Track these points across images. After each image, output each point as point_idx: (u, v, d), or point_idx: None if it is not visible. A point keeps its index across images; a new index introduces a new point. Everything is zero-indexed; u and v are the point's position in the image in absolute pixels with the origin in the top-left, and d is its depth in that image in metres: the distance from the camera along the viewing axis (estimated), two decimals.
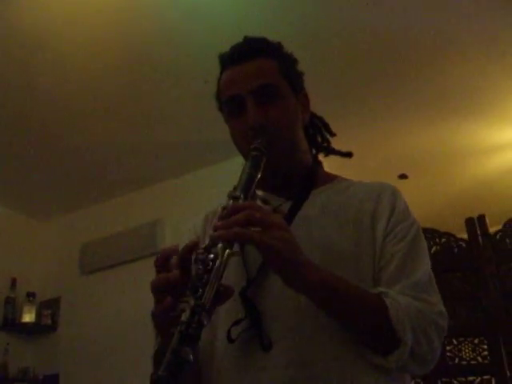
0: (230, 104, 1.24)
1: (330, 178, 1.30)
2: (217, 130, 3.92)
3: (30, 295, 4.73)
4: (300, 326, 1.05)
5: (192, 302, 0.84)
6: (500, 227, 3.13)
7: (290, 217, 1.16)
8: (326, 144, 1.40)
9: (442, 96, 3.81)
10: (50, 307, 4.72)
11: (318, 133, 1.39)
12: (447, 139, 4.23)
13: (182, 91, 3.70)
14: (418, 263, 1.10)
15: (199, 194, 4.48)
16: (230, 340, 1.08)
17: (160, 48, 3.34)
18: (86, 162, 4.41)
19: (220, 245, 0.92)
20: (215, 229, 0.93)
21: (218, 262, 0.90)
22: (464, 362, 2.77)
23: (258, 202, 1.22)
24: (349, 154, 1.36)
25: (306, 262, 0.95)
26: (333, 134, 1.40)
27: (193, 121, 4.01)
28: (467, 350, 2.89)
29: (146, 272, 4.25)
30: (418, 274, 1.08)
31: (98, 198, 4.83)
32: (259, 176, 1.10)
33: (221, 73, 1.30)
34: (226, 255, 0.91)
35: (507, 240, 3.04)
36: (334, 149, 1.39)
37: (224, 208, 0.98)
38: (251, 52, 1.24)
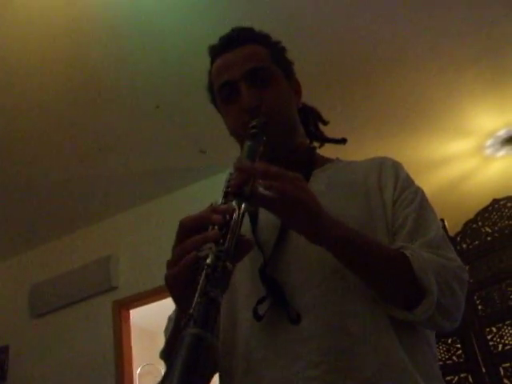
0: (224, 90, 1.22)
1: (329, 160, 1.31)
2: (170, 157, 4.02)
3: None
4: (326, 295, 1.03)
5: (214, 249, 0.80)
6: (459, 229, 3.20)
7: None
8: (318, 133, 1.39)
9: (385, 114, 3.92)
10: None
11: (311, 122, 1.39)
12: (397, 153, 4.34)
13: (132, 118, 3.66)
14: (430, 223, 1.11)
15: (152, 224, 4.41)
16: (258, 317, 1.04)
17: (110, 74, 3.30)
18: (31, 200, 4.27)
19: (234, 201, 0.89)
20: (229, 183, 0.91)
21: (235, 213, 0.86)
22: (440, 363, 2.79)
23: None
24: (343, 141, 1.35)
25: (326, 215, 0.94)
26: (325, 123, 1.40)
27: (145, 149, 3.95)
28: (442, 351, 2.92)
29: (102, 309, 4.19)
30: (432, 233, 1.08)
31: (46, 236, 4.67)
32: (261, 150, 1.07)
33: (211, 64, 1.28)
34: (242, 207, 0.88)
35: (468, 240, 3.12)
36: (327, 137, 1.38)
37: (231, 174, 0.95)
38: (241, 39, 1.24)
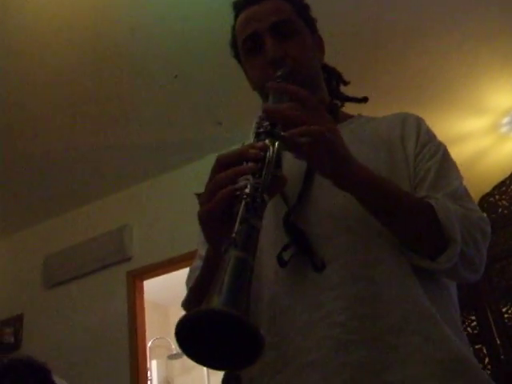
0: (248, 43, 1.23)
1: (351, 116, 1.31)
2: (186, 128, 4.02)
3: None
4: (350, 244, 1.03)
5: (252, 180, 0.81)
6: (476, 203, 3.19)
7: None
8: (339, 93, 1.39)
9: (402, 87, 3.90)
10: (11, 325, 4.52)
11: (332, 81, 1.39)
12: None
13: (149, 88, 3.65)
14: (452, 176, 1.11)
15: (167, 195, 4.42)
16: (282, 263, 1.04)
17: (127, 42, 3.28)
18: (44, 171, 4.27)
19: (267, 140, 0.89)
20: (260, 122, 0.92)
21: (270, 149, 0.86)
22: None
23: None
24: (364, 99, 1.36)
25: (356, 160, 0.95)
26: (346, 83, 1.40)
27: (160, 121, 3.95)
28: None
29: (116, 279, 4.20)
30: (454, 184, 1.09)
31: (60, 207, 4.69)
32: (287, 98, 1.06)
33: (235, 19, 1.29)
34: (276, 145, 0.88)
35: (484, 213, 3.11)
36: (348, 96, 1.38)
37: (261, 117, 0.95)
38: None
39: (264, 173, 0.82)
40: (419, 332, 0.96)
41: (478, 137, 4.53)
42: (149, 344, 5.19)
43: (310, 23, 1.30)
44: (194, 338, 0.65)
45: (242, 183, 0.81)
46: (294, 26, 1.23)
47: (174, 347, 6.24)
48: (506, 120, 4.47)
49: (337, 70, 1.39)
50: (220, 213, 0.83)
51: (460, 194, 1.08)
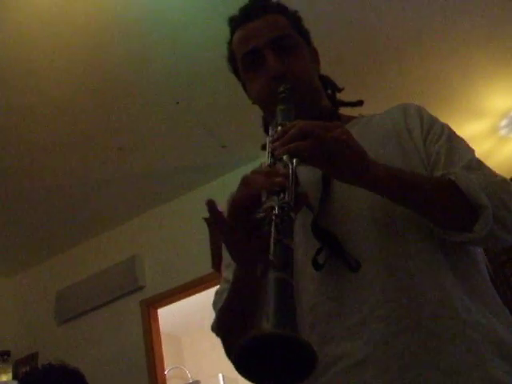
0: (248, 58, 1.26)
1: (352, 117, 1.34)
2: (191, 154, 4.04)
3: (5, 354, 4.53)
4: (380, 239, 1.05)
5: (277, 201, 0.83)
6: None
7: None
8: (335, 99, 1.43)
9: (399, 94, 3.93)
10: (27, 363, 4.48)
11: (328, 88, 1.43)
12: None
13: (152, 116, 3.68)
14: (463, 150, 1.14)
15: (176, 222, 4.43)
16: (318, 267, 1.06)
17: (128, 71, 3.32)
18: (53, 206, 4.29)
19: (284, 157, 0.92)
20: (274, 148, 0.95)
21: (289, 167, 0.90)
22: None
23: None
24: (360, 103, 1.38)
25: (369, 157, 0.97)
26: (340, 90, 1.43)
27: (165, 147, 3.97)
28: None
29: (129, 309, 4.16)
30: (467, 156, 1.11)
31: (70, 241, 4.70)
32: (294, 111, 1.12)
33: (231, 35, 1.32)
34: (294, 162, 0.91)
35: None
36: (344, 101, 1.41)
37: (273, 136, 1.00)
38: (261, 9, 1.28)
39: (287, 192, 0.85)
40: (456, 317, 0.99)
41: (478, 141, 4.57)
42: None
43: (305, 35, 1.34)
44: (251, 363, 0.67)
45: (268, 204, 0.83)
46: (293, 40, 1.26)
47: (190, 376, 6.20)
48: (504, 122, 4.52)
49: (330, 79, 1.42)
50: (247, 231, 0.86)
51: (476, 164, 1.10)
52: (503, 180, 1.07)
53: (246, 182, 0.91)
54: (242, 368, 0.67)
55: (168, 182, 4.30)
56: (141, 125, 3.74)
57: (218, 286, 1.25)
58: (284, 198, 0.84)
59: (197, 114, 3.71)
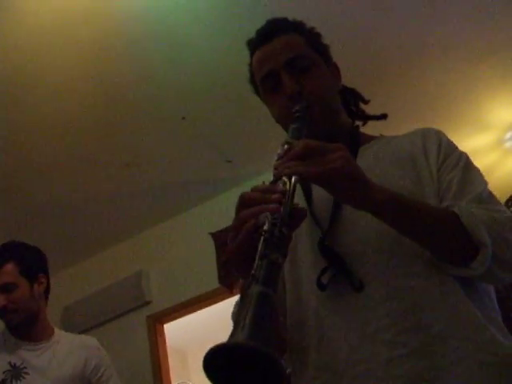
0: (266, 81, 1.29)
1: (373, 137, 1.35)
2: (197, 169, 4.06)
3: None
4: (387, 261, 1.06)
5: (269, 217, 0.86)
6: None
7: None
8: (359, 113, 1.44)
9: (404, 108, 3.94)
10: None
11: (352, 102, 1.44)
12: None
13: (158, 131, 3.70)
14: (476, 182, 1.12)
15: (182, 237, 4.44)
16: (322, 287, 1.07)
17: (134, 87, 3.35)
18: (58, 221, 4.30)
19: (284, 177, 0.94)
20: (276, 167, 0.97)
21: (287, 185, 0.92)
22: None
23: None
24: (384, 116, 1.40)
25: (370, 181, 0.97)
26: (366, 102, 1.45)
27: (171, 162, 3.99)
28: None
29: (136, 325, 4.13)
30: (478, 189, 1.10)
31: (76, 257, 4.71)
32: (305, 131, 1.14)
33: (251, 57, 1.35)
34: (293, 180, 0.93)
35: None
36: (368, 114, 1.43)
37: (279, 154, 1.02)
38: (277, 30, 1.30)
39: (282, 208, 0.88)
40: (466, 337, 0.98)
41: (483, 153, 4.58)
42: None
43: (324, 52, 1.35)
44: (222, 371, 0.70)
45: (261, 220, 0.86)
46: (308, 59, 1.27)
47: None
48: (508, 135, 4.52)
49: (356, 90, 1.44)
50: (246, 248, 0.87)
51: (485, 198, 1.08)
52: (509, 218, 1.05)
53: (243, 199, 0.93)
54: (210, 375, 0.70)
55: (174, 196, 4.32)
56: (147, 140, 3.77)
57: (227, 300, 1.26)
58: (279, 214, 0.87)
59: (202, 129, 3.73)
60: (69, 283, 4.74)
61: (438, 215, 1.03)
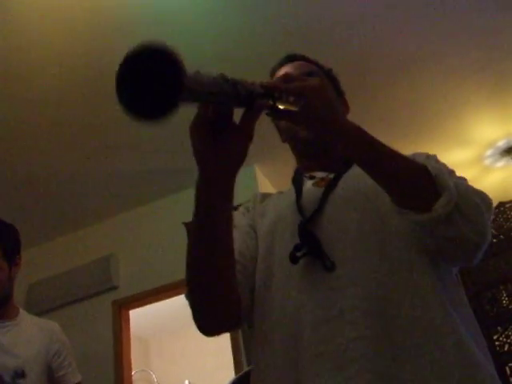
0: None
1: None
2: (173, 158, 4.02)
3: None
4: (363, 250, 1.07)
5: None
6: None
7: (339, 175, 1.24)
8: None
9: (388, 119, 3.97)
10: None
11: None
12: None
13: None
14: (442, 165, 1.18)
15: (153, 224, 4.40)
16: (294, 259, 1.08)
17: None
18: (30, 197, 4.23)
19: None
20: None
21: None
22: None
23: (306, 179, 1.33)
24: None
25: (340, 110, 1.07)
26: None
27: (150, 149, 3.94)
28: None
29: (101, 308, 4.09)
30: (444, 168, 1.15)
31: (46, 235, 4.64)
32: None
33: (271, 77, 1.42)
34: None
35: None
36: None
37: None
38: (297, 57, 1.43)
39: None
40: (431, 327, 0.99)
41: (463, 168, 4.60)
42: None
43: (336, 85, 1.46)
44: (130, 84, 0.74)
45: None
46: (322, 78, 1.33)
47: (156, 380, 6.15)
48: (489, 152, 4.57)
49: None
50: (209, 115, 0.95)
51: (450, 172, 1.14)
52: (480, 190, 1.09)
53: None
54: (121, 94, 0.75)
55: (151, 183, 4.28)
56: (128, 125, 3.69)
57: None
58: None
59: (180, 118, 3.68)
60: (37, 261, 4.65)
61: (407, 159, 1.06)
